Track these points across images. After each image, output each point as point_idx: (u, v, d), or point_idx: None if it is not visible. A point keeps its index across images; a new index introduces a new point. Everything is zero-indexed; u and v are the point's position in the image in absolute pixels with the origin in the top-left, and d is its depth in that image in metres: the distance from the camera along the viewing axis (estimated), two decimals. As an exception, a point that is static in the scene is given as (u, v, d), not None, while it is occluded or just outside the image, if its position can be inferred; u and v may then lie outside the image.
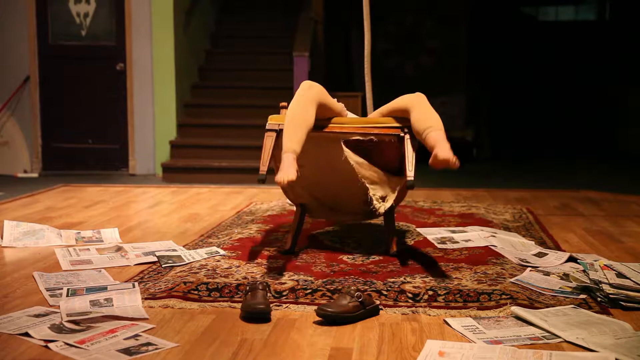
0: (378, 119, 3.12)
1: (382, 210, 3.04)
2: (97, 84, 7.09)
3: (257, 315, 2.32)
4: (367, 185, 3.03)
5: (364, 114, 4.88)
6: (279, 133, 3.08)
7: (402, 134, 2.99)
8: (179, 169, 6.75)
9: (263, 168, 2.93)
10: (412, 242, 3.39)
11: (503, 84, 10.27)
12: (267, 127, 3.12)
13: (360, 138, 3.03)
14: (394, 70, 9.70)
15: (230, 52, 8.16)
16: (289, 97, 7.04)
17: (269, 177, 2.89)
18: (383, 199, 3.07)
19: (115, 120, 7.11)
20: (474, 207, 4.49)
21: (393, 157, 3.10)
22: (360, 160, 3.03)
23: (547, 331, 2.18)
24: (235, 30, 8.42)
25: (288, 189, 3.21)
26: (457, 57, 9.70)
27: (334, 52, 8.99)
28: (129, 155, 7.11)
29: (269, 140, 3.06)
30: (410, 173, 2.82)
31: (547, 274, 2.80)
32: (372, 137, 3.04)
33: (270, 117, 3.18)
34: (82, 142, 7.13)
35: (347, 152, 3.00)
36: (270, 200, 4.87)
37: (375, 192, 3.06)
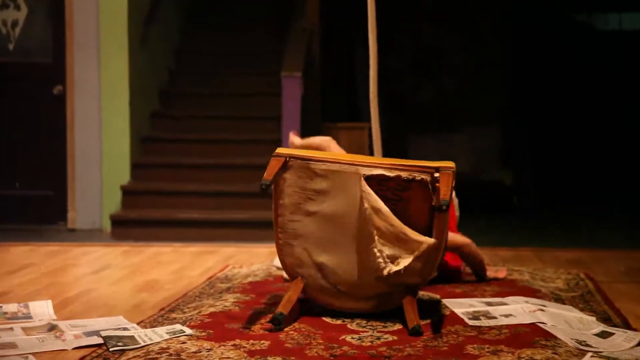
0: (407, 160, 3.21)
1: (386, 271, 3.06)
2: (27, 112, 7.11)
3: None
4: (375, 236, 3.05)
5: (371, 151, 4.91)
6: (288, 162, 3.18)
7: (435, 174, 3.06)
8: (133, 222, 6.72)
9: (268, 176, 3.07)
10: (437, 317, 3.37)
11: (550, 112, 10.33)
12: (274, 154, 3.21)
13: (385, 174, 3.10)
14: (407, 94, 9.78)
15: (199, 71, 8.22)
16: (275, 129, 7.16)
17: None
18: (392, 259, 3.08)
19: (51, 158, 7.12)
20: (515, 272, 4.47)
21: (421, 212, 3.12)
22: (379, 205, 3.08)
23: None
24: (207, 44, 8.49)
25: (285, 249, 3.23)
26: (490, 78, 9.79)
27: (334, 71, 9.06)
28: (67, 204, 7.10)
29: (276, 162, 3.16)
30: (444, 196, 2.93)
31: (614, 360, 2.76)
32: (399, 173, 3.10)
33: (278, 148, 3.28)
34: (7, 186, 7.13)
35: (366, 191, 3.05)
36: (252, 263, 4.84)
37: (383, 248, 3.07)
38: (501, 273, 4.40)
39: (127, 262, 5.03)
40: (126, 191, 6.94)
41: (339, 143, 6.76)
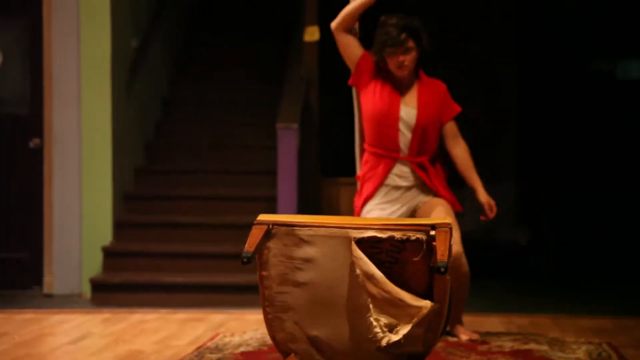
0: (401, 219, 3.21)
1: (385, 341, 3.05)
2: (0, 167, 7.13)
3: None
4: (370, 305, 3.05)
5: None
6: (271, 230, 3.13)
7: (431, 232, 3.06)
8: (115, 287, 6.71)
9: (249, 248, 3.05)
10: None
11: (569, 166, 10.36)
12: (255, 222, 3.20)
13: (377, 235, 3.09)
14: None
15: (188, 123, 8.28)
16: (270, 184, 7.19)
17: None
18: (391, 328, 3.08)
19: (26, 217, 7.13)
20: (532, 341, 4.46)
21: (419, 274, 3.12)
22: (372, 270, 3.07)
23: None
24: (197, 93, 8.57)
25: (275, 323, 3.22)
26: (503, 129, 9.83)
27: (334, 123, 9.11)
28: (44, 267, 7.09)
29: (258, 231, 3.13)
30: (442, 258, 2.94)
31: None
32: (392, 233, 3.09)
33: (260, 215, 3.26)
34: (-22, 248, 7.12)
35: (358, 256, 3.04)
36: (244, 331, 4.83)
37: (379, 316, 3.07)
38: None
39: (108, 331, 5.01)
40: (108, 253, 6.94)
41: (338, 200, 6.85)
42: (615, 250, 9.84)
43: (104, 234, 7.07)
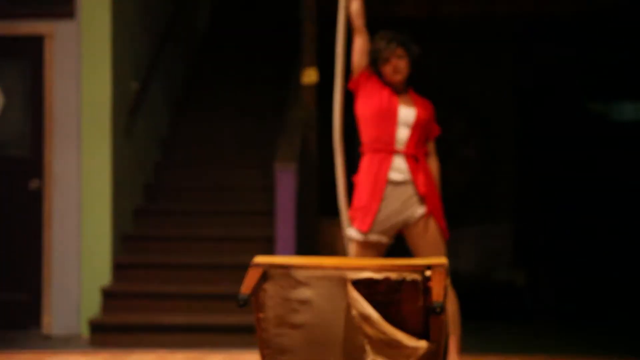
0: (396, 259, 3.22)
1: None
2: (0, 208, 7.15)
3: None
4: (367, 346, 3.05)
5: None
6: (267, 272, 3.15)
7: (427, 273, 3.07)
8: (115, 328, 6.71)
9: (245, 290, 3.03)
10: None
11: (566, 207, 10.37)
12: (251, 264, 3.19)
13: (373, 276, 3.10)
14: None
15: (187, 164, 8.30)
16: (268, 225, 7.21)
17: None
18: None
19: (25, 258, 7.14)
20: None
21: (415, 315, 3.13)
22: (368, 312, 3.08)
23: None
24: (196, 135, 8.61)
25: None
26: (500, 170, 9.87)
27: (332, 163, 9.14)
28: (42, 308, 7.08)
29: (254, 272, 3.13)
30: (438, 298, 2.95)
31: None
32: (388, 274, 3.10)
33: (256, 257, 3.25)
34: (-24, 289, 7.12)
35: (354, 297, 3.06)
36: (242, 372, 4.83)
37: (376, 357, 3.07)
38: None
39: (107, 372, 5.01)
40: (107, 293, 6.93)
41: (336, 240, 6.88)
42: (612, 291, 9.82)
43: (103, 274, 7.06)
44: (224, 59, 9.62)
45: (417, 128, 4.68)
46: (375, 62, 4.72)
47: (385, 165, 4.63)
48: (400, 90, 4.76)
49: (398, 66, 4.68)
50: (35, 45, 7.18)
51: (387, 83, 4.72)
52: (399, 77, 4.71)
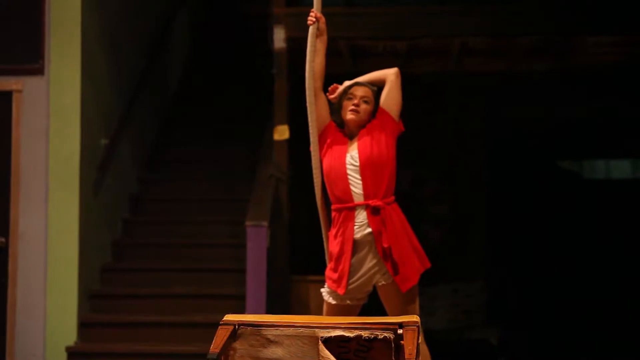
0: (368, 318, 3.18)
1: None
2: (-36, 266, 7.05)
3: None
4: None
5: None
6: (237, 330, 3.12)
7: (399, 331, 3.03)
8: (79, 389, 6.59)
9: (214, 349, 3.00)
10: None
11: (539, 264, 10.40)
12: (221, 322, 3.16)
13: (345, 334, 3.06)
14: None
15: (157, 221, 8.25)
16: (239, 283, 7.13)
17: None
18: None
19: (-11, 318, 7.03)
20: None
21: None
22: (341, 371, 3.04)
23: None
24: (165, 191, 8.58)
25: None
26: (473, 228, 9.88)
27: (304, 220, 9.11)
28: (6, 368, 6.96)
29: (224, 331, 3.08)
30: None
31: None
32: (359, 332, 3.07)
33: (226, 315, 3.22)
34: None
35: (325, 356, 3.02)
36: None
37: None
38: None
39: None
40: (72, 353, 6.82)
41: (309, 299, 6.78)
42: (586, 347, 9.81)
43: (69, 333, 6.95)
44: (196, 115, 9.67)
45: (366, 169, 4.46)
46: (338, 109, 4.65)
47: (349, 225, 4.48)
48: (354, 134, 4.62)
49: (355, 102, 4.56)
50: (3, 100, 7.12)
51: (345, 133, 4.62)
52: (354, 116, 4.57)
